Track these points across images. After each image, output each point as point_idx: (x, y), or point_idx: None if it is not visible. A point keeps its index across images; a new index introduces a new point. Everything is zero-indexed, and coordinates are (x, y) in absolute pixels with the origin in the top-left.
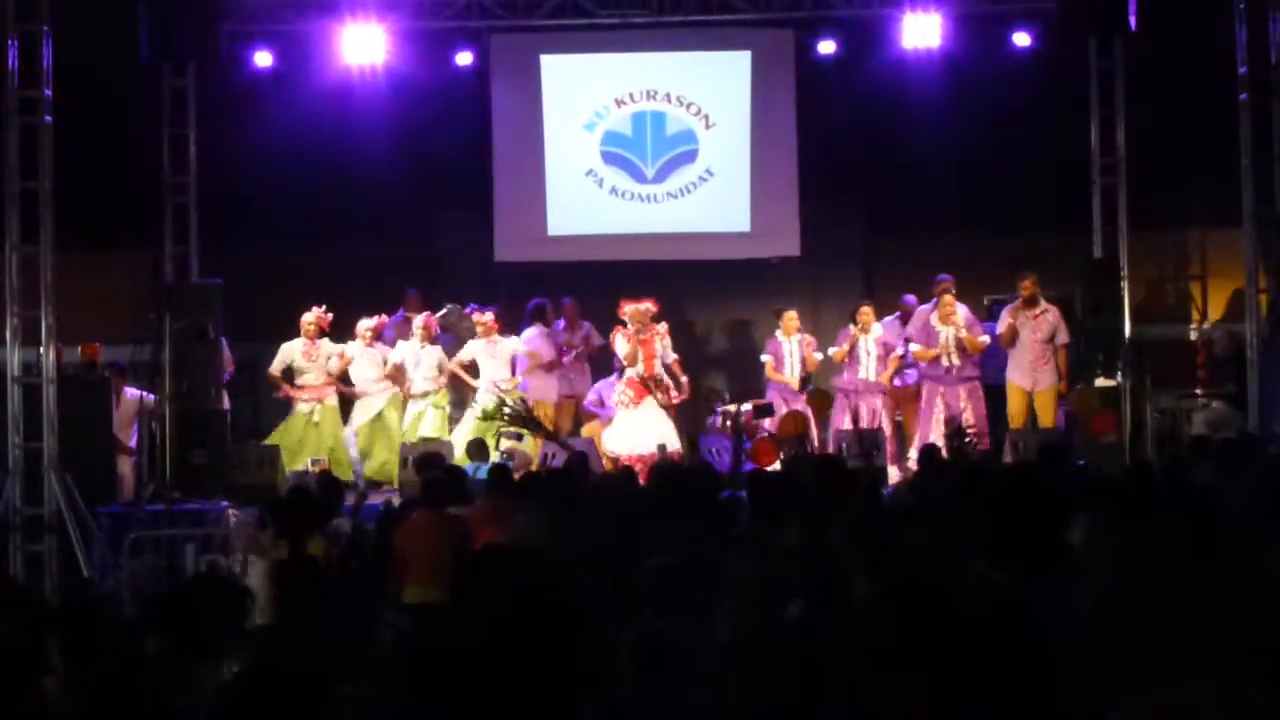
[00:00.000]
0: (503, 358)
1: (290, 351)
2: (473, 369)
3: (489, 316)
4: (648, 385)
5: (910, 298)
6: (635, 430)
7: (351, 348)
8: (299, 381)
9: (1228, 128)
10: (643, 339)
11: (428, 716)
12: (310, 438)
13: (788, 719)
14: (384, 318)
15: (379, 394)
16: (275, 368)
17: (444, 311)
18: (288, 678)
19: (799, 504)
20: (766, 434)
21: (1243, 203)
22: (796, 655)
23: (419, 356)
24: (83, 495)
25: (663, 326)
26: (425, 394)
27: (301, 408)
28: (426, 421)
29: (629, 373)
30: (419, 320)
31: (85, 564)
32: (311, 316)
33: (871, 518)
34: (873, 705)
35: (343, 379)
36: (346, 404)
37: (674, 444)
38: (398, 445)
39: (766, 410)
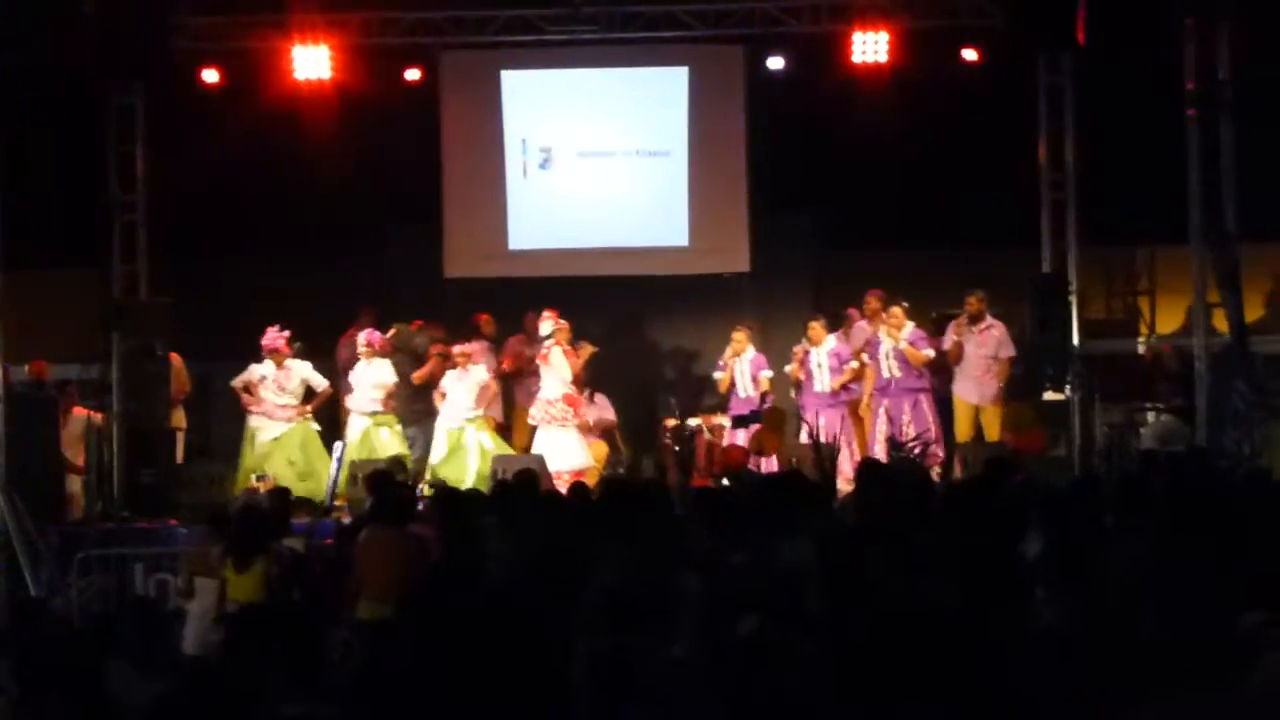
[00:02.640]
0: (471, 386)
1: (256, 374)
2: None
3: (474, 347)
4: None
5: (852, 312)
6: (569, 446)
7: (261, 367)
8: (261, 402)
9: (1176, 143)
10: (572, 353)
11: None
12: (274, 457)
13: None
14: (285, 334)
15: (282, 420)
16: (237, 382)
17: (392, 332)
18: (207, 699)
19: (749, 521)
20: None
21: (1190, 218)
22: (749, 672)
23: (362, 374)
24: (31, 514)
25: (589, 348)
26: (371, 413)
27: (252, 422)
28: (380, 442)
29: (564, 389)
30: (362, 337)
31: (33, 583)
32: (282, 341)
33: (823, 534)
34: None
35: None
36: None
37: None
38: (312, 466)
39: (747, 420)
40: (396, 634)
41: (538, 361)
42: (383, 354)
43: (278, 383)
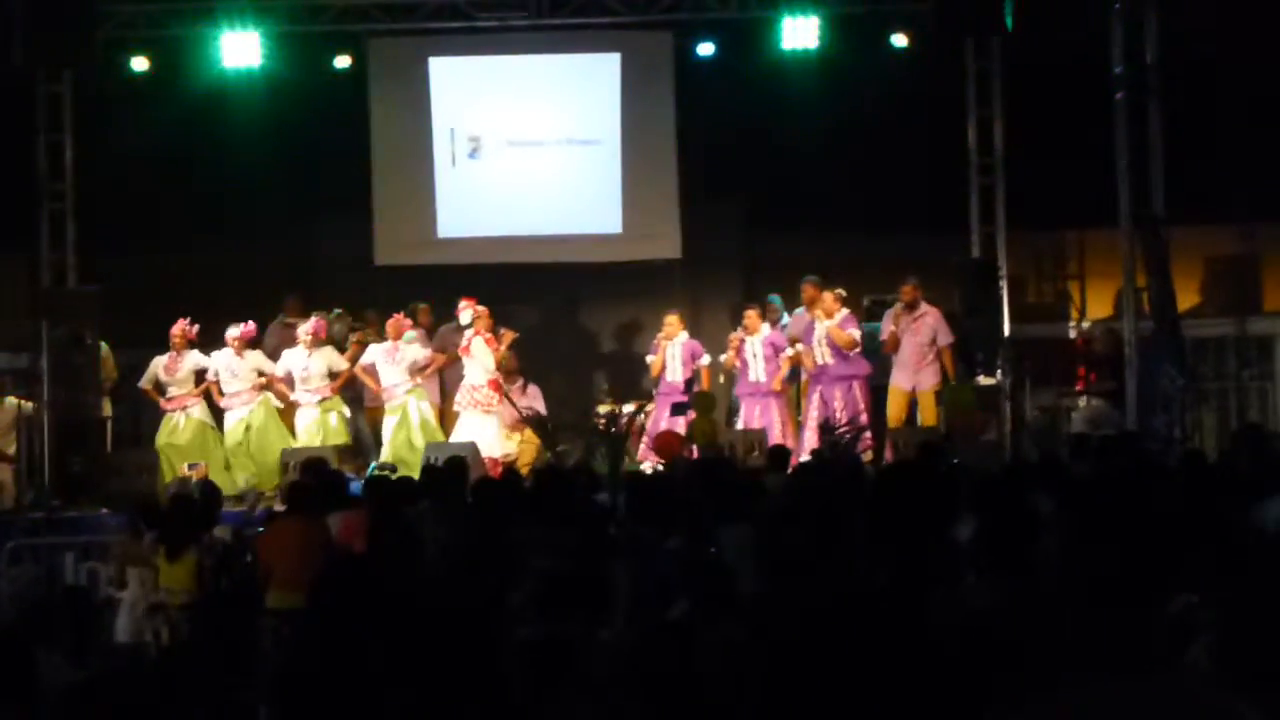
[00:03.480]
0: (403, 364)
1: (155, 365)
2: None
3: (405, 321)
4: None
5: (774, 298)
6: (487, 434)
7: (220, 356)
8: (167, 396)
9: (1105, 127)
10: (493, 341)
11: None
12: (181, 451)
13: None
14: (251, 325)
15: (245, 405)
16: (144, 382)
17: (333, 317)
18: (124, 691)
19: (681, 507)
20: (667, 431)
21: (1119, 202)
22: (679, 657)
23: (307, 364)
24: None
25: (511, 333)
26: (319, 402)
27: (171, 418)
28: (329, 431)
29: (488, 375)
30: (307, 326)
31: None
32: (177, 329)
33: (757, 520)
34: (757, 706)
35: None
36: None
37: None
38: (278, 451)
39: (682, 408)
40: (305, 623)
41: (459, 352)
42: (319, 343)
43: (230, 369)
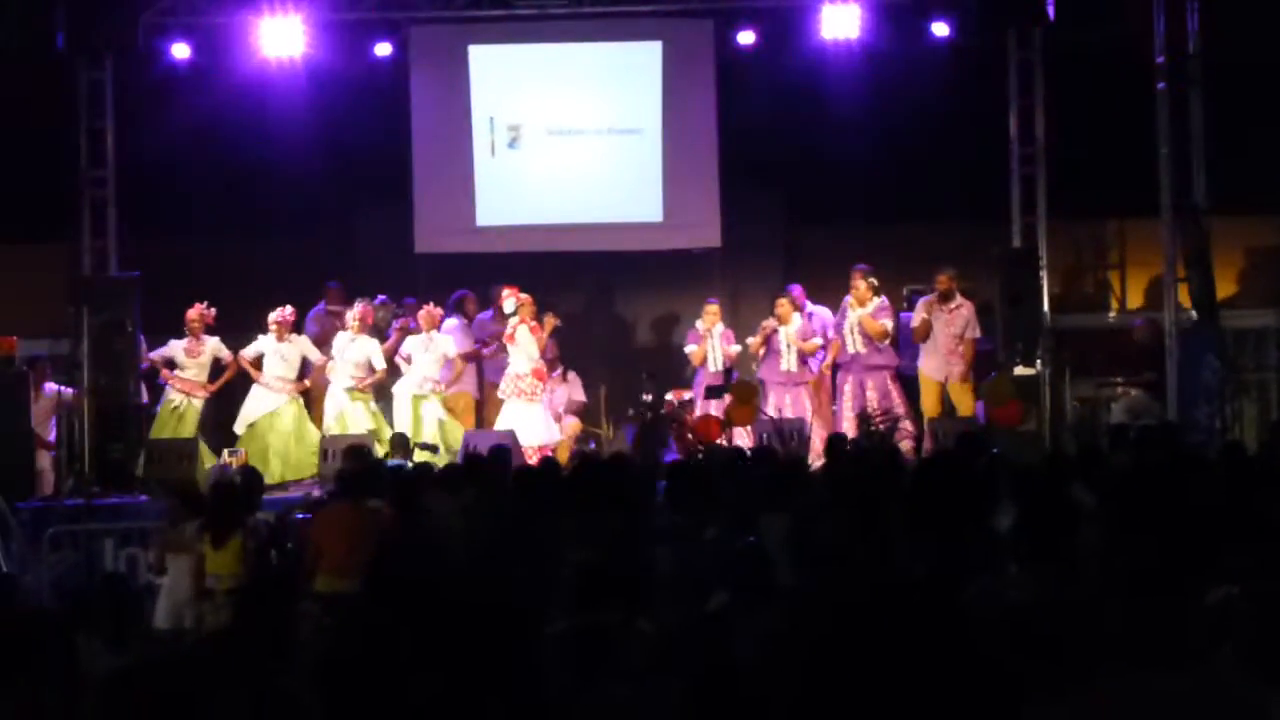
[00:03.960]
0: (436, 354)
1: (174, 349)
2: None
3: (436, 311)
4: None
5: (795, 288)
6: (535, 422)
7: (263, 342)
8: (178, 374)
9: (1146, 118)
10: (536, 329)
11: (353, 710)
12: (172, 430)
13: (713, 711)
14: (290, 309)
15: (281, 391)
16: (156, 355)
17: (379, 302)
18: (166, 678)
19: (721, 496)
20: (706, 416)
21: (1160, 192)
22: (718, 647)
23: (346, 349)
24: (1, 490)
25: (553, 320)
26: (348, 390)
27: (171, 397)
28: (354, 419)
29: (532, 364)
30: (355, 311)
31: (4, 559)
32: (194, 313)
33: (798, 508)
34: (794, 698)
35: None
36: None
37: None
38: (309, 440)
39: (717, 392)
40: (355, 609)
41: (504, 340)
42: (366, 329)
43: (280, 355)
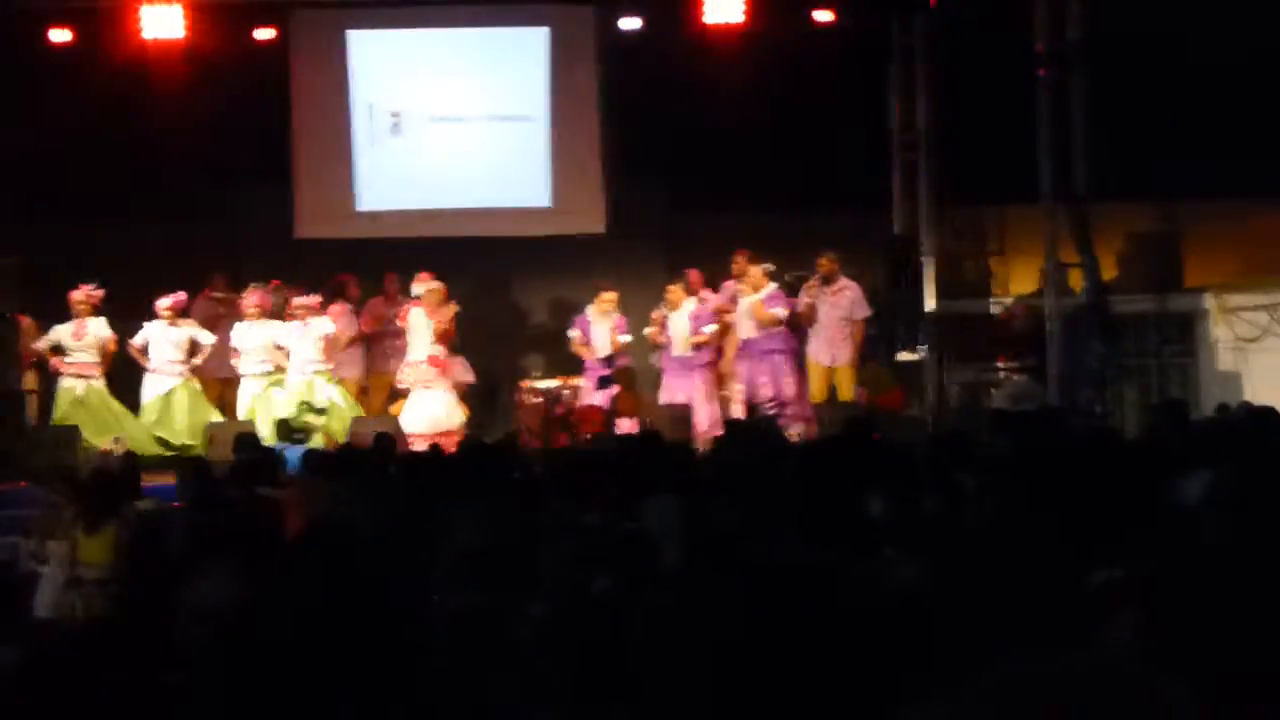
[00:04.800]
0: (312, 339)
1: (60, 331)
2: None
3: (314, 300)
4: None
5: (693, 273)
6: (438, 408)
7: (153, 327)
8: (68, 359)
9: (1027, 103)
10: (439, 316)
11: (240, 702)
12: (79, 416)
13: (598, 693)
14: (182, 295)
15: (172, 375)
16: (42, 343)
17: (272, 289)
18: (58, 669)
19: (607, 481)
20: (589, 405)
21: (1041, 178)
22: (603, 630)
23: (247, 336)
24: None
25: (453, 308)
26: (265, 374)
27: (65, 383)
28: (275, 402)
29: (429, 350)
30: (254, 299)
31: None
32: (80, 294)
33: (685, 492)
34: (678, 678)
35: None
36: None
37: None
38: (196, 426)
39: (607, 382)
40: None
41: (399, 323)
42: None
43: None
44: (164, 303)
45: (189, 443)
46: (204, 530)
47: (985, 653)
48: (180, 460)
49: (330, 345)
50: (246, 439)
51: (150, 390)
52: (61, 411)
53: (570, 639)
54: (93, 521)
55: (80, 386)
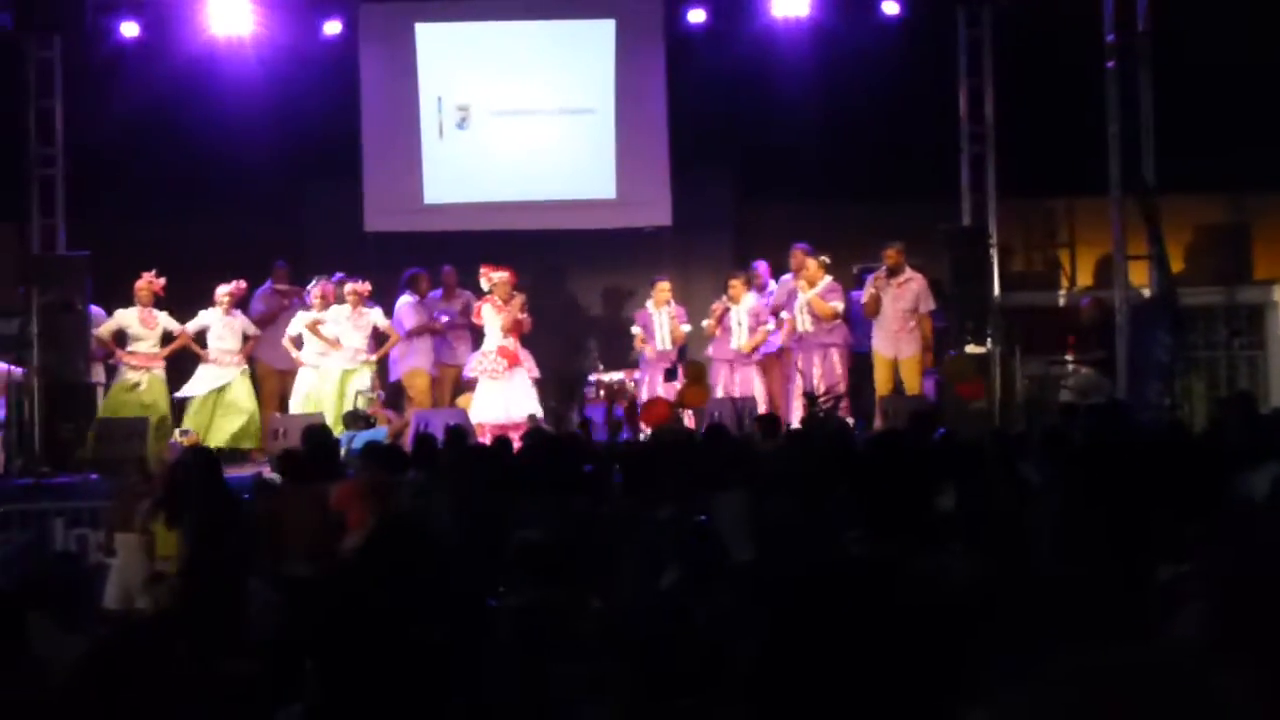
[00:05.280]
0: (365, 329)
1: (126, 317)
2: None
3: (365, 285)
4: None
5: (760, 265)
6: (508, 399)
7: (210, 314)
8: (131, 348)
9: (1095, 95)
10: (507, 308)
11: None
12: (133, 408)
13: (664, 687)
14: (242, 283)
15: (230, 365)
16: (105, 330)
17: (336, 279)
18: (124, 660)
19: (673, 475)
20: (655, 398)
21: (1109, 170)
22: (670, 625)
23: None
24: None
25: (520, 298)
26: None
27: (130, 376)
28: (330, 394)
29: (499, 341)
30: (316, 289)
31: None
32: (143, 283)
33: (752, 487)
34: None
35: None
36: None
37: (539, 413)
38: (253, 417)
39: (673, 373)
40: (320, 590)
41: (473, 319)
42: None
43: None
44: (224, 289)
45: (245, 436)
46: (275, 522)
47: (1050, 647)
48: (238, 453)
49: (377, 338)
50: (315, 431)
51: (206, 381)
52: (116, 402)
53: (637, 633)
54: (174, 515)
55: (141, 378)
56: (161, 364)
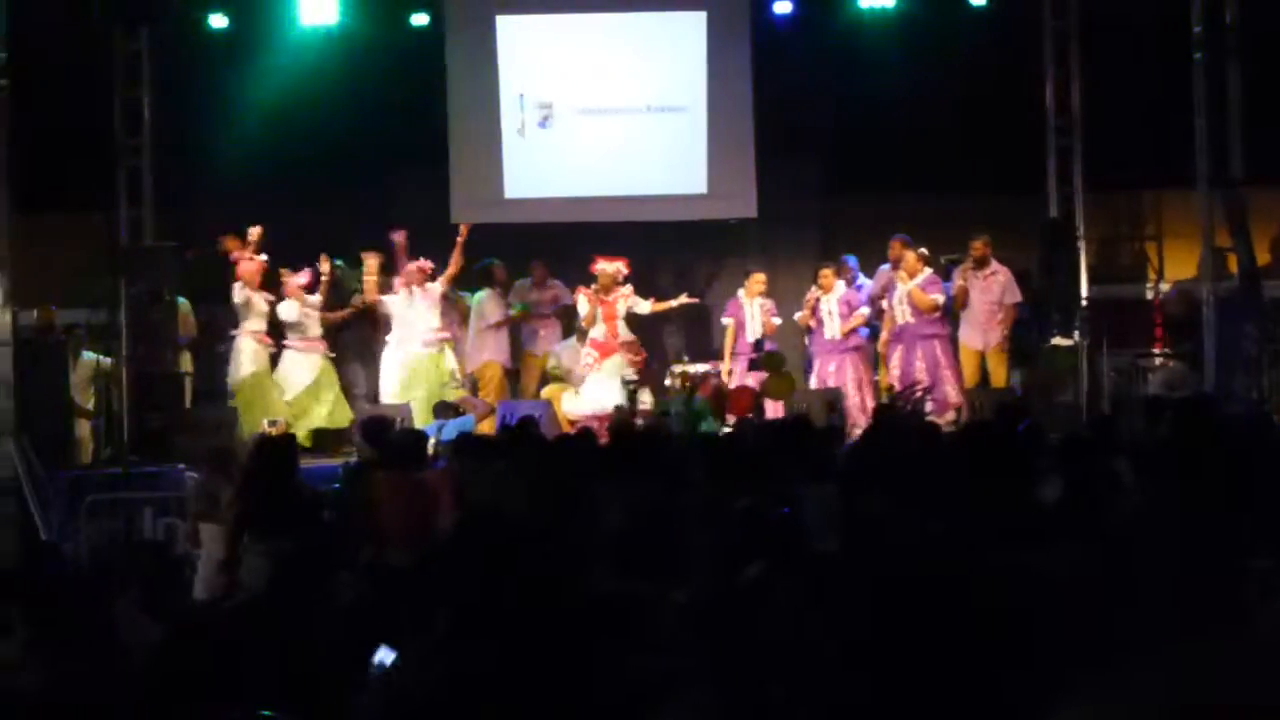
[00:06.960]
0: (434, 303)
1: (292, 308)
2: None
3: (427, 264)
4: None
5: (851, 259)
6: (598, 391)
7: (291, 306)
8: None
9: (1182, 88)
10: (605, 300)
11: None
12: (257, 393)
13: (747, 680)
14: (310, 272)
15: (318, 353)
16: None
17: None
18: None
19: (757, 465)
20: (742, 387)
21: (1197, 162)
22: (750, 618)
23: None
24: (40, 458)
25: (628, 288)
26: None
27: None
28: (416, 380)
29: (592, 334)
30: (411, 268)
31: (43, 527)
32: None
33: (838, 477)
34: (828, 664)
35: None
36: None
37: (639, 403)
38: (343, 405)
39: (757, 364)
40: (417, 579)
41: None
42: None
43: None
44: (300, 280)
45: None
46: (372, 509)
47: (1143, 641)
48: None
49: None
50: (383, 421)
51: (298, 370)
52: (252, 378)
53: (718, 625)
54: (246, 508)
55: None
56: (324, 347)
